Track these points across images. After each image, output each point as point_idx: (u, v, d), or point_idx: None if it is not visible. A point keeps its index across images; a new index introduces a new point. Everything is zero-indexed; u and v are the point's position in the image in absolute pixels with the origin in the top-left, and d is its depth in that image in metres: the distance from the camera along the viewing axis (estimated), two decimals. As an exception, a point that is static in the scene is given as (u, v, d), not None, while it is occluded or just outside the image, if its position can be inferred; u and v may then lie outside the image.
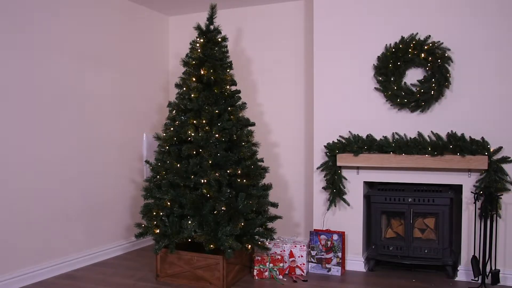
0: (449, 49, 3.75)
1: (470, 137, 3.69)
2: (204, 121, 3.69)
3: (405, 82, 3.92)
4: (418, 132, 3.87)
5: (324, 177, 4.16)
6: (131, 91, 4.87)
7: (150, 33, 5.17)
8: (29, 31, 3.70)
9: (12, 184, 3.57)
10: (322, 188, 4.20)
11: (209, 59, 3.82)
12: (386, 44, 3.96)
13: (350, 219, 4.14)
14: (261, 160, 4.01)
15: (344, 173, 4.13)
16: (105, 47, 4.50)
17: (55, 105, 3.94)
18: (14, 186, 3.59)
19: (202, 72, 3.78)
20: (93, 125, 4.35)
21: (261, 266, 3.86)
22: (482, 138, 3.64)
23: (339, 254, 3.99)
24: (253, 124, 3.99)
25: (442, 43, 3.77)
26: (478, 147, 3.62)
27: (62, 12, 4.00)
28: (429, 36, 3.80)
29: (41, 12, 3.80)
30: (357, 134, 4.06)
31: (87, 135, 4.28)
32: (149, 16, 5.16)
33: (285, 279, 3.87)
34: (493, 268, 3.61)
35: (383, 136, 3.98)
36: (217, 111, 3.73)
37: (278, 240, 4.16)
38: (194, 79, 3.81)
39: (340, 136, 4.15)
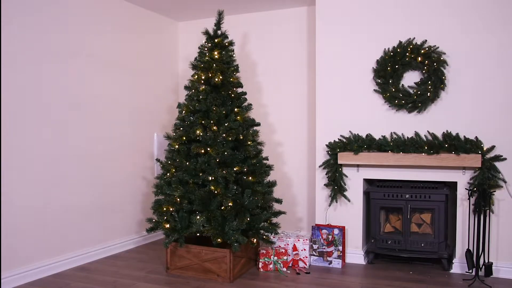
0: (444, 53, 3.94)
1: (464, 136, 3.87)
2: (212, 122, 3.89)
3: (402, 84, 4.11)
4: (415, 132, 4.06)
5: (326, 174, 4.36)
6: (143, 92, 5.09)
7: (161, 37, 5.39)
8: (45, 37, 3.92)
9: (30, 181, 3.80)
10: (324, 185, 4.40)
11: (216, 62, 4.02)
12: (385, 48, 4.15)
13: (350, 215, 4.34)
14: (266, 159, 4.21)
15: (345, 170, 4.33)
16: (118, 51, 4.73)
17: (71, 107, 4.17)
18: (32, 184, 3.82)
19: (210, 75, 3.99)
20: (107, 125, 4.58)
21: (266, 259, 4.07)
22: (476, 137, 3.83)
23: (340, 248, 4.19)
24: (258, 124, 4.19)
25: (438, 47, 3.95)
26: (472, 146, 3.80)
27: (78, 18, 4.23)
28: (426, 40, 3.99)
29: (55, 18, 4.03)
30: (357, 134, 4.26)
31: (102, 135, 4.50)
32: (160, 21, 5.37)
33: (288, 271, 4.07)
34: (486, 261, 3.80)
35: (382, 135, 4.18)
36: (224, 112, 3.94)
37: (282, 234, 4.37)
38: (202, 82, 4.03)
39: (341, 135, 4.35)
